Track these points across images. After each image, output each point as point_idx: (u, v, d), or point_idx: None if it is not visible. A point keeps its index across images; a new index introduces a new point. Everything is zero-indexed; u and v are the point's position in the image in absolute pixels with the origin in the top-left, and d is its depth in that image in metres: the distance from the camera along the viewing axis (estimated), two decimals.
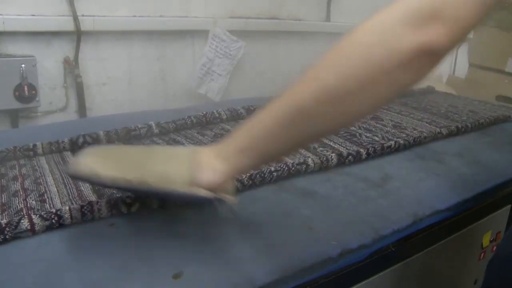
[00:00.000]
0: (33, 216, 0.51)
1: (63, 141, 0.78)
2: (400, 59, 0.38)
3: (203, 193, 0.48)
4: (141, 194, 0.56)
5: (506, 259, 0.58)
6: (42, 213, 0.52)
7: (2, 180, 0.65)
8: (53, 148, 0.77)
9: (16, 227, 0.49)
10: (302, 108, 0.43)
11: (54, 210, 0.52)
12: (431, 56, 0.38)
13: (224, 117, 0.96)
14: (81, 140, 0.80)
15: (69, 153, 0.78)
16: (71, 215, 0.53)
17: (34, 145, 0.76)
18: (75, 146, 0.79)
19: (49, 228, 0.51)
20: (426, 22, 0.37)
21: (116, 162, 0.49)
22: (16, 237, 0.49)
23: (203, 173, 0.48)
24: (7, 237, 0.49)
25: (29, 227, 0.50)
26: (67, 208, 0.53)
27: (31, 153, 0.75)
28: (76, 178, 0.53)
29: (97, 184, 0.56)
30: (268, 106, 0.45)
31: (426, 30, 0.37)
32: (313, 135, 0.46)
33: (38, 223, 0.51)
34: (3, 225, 0.49)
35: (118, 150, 0.55)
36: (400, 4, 0.39)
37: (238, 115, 0.98)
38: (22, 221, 0.50)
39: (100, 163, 0.49)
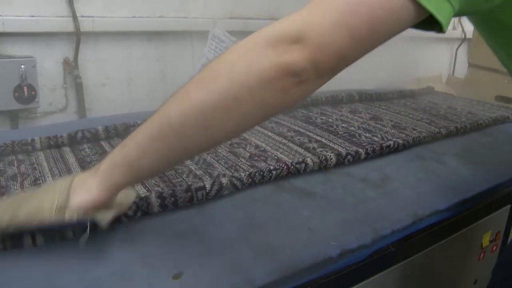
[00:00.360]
0: None
1: (61, 136, 0.78)
2: (260, 76, 0.38)
3: (67, 217, 0.45)
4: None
5: None
6: None
7: (1, 178, 0.65)
8: (52, 143, 0.77)
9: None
10: (171, 121, 0.42)
11: None
12: (292, 77, 0.38)
13: None
14: (79, 135, 0.79)
15: (67, 148, 0.77)
16: None
17: (33, 140, 0.76)
18: (74, 141, 0.79)
19: None
20: (289, 43, 0.38)
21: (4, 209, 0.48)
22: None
23: (76, 194, 0.46)
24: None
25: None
26: None
27: (30, 147, 0.75)
28: None
29: None
30: (145, 121, 0.45)
31: (287, 50, 0.37)
32: (183, 150, 0.44)
33: None
34: None
35: (19, 196, 0.51)
36: (271, 26, 0.39)
37: None
38: None
39: None
